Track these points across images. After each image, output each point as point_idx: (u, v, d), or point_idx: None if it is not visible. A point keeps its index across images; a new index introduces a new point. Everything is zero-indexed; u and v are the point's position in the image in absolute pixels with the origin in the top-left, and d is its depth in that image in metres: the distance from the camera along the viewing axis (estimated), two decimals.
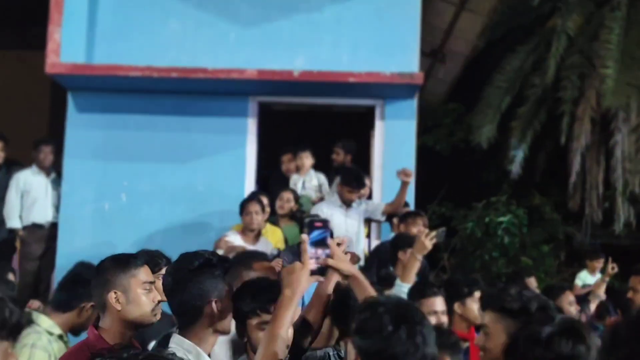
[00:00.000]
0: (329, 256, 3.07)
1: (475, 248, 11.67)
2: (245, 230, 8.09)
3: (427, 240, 5.01)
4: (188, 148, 9.39)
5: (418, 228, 7.31)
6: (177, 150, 9.39)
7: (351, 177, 8.15)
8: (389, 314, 2.59)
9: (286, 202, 8.66)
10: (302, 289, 2.96)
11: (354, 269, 3.21)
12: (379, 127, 9.22)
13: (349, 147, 9.75)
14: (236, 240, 7.82)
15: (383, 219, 8.42)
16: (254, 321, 3.32)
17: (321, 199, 8.79)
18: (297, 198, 8.78)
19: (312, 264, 2.98)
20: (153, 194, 9.39)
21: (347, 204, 8.08)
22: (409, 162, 9.07)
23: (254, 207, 8.02)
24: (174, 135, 9.39)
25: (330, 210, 7.96)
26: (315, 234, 3.04)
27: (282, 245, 8.02)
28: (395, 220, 8.07)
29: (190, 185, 9.36)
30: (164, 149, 9.40)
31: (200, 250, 3.22)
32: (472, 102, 12.82)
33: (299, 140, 9.98)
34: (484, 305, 3.42)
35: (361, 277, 3.22)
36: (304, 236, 3.07)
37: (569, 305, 7.27)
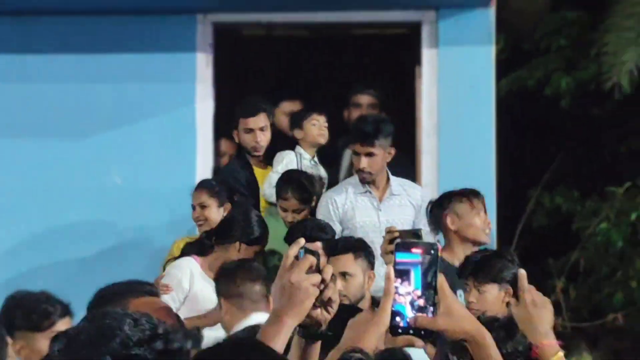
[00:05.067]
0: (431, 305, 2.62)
1: (613, 268, 10.30)
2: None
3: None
4: (95, 110, 7.79)
5: (482, 219, 6.36)
6: (77, 114, 7.77)
7: (362, 123, 6.97)
8: None
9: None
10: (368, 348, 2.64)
11: (475, 328, 2.67)
12: (429, 59, 7.82)
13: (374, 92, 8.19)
14: (187, 272, 6.44)
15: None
16: None
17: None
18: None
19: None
20: (38, 191, 7.78)
21: (365, 183, 6.78)
22: (485, 119, 7.66)
23: (199, 197, 6.99)
24: (69, 88, 7.77)
25: (348, 202, 6.70)
26: (405, 258, 2.62)
27: None
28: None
29: (102, 174, 7.82)
30: (53, 114, 7.78)
31: (127, 321, 2.30)
32: (598, 11, 10.84)
33: (289, 90, 8.57)
34: None
35: (488, 340, 2.70)
36: (389, 269, 2.60)
37: None
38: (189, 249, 6.33)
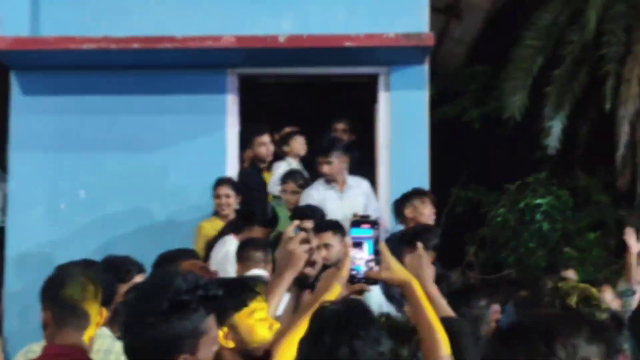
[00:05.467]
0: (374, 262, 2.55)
1: (508, 239, 9.81)
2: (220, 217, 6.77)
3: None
4: (157, 134, 7.55)
5: (429, 210, 6.13)
6: (144, 136, 7.56)
7: (321, 141, 6.69)
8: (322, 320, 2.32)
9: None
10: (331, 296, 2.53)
11: (407, 278, 2.58)
12: (383, 99, 7.55)
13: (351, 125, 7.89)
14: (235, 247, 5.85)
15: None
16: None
17: None
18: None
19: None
20: (118, 188, 7.52)
21: (329, 180, 6.55)
22: (421, 139, 7.47)
23: (224, 190, 6.80)
24: (139, 118, 7.55)
25: (320, 195, 6.50)
26: (359, 233, 2.56)
27: None
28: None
29: (162, 177, 7.55)
30: (129, 136, 7.56)
31: (178, 277, 2.17)
32: (498, 66, 10.37)
33: (290, 119, 8.12)
34: None
35: (416, 287, 2.57)
36: (347, 239, 2.61)
37: (611, 301, 5.93)
38: (228, 230, 6.13)
